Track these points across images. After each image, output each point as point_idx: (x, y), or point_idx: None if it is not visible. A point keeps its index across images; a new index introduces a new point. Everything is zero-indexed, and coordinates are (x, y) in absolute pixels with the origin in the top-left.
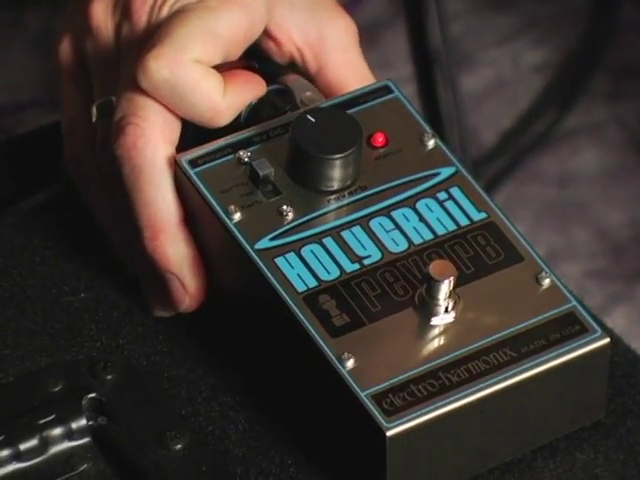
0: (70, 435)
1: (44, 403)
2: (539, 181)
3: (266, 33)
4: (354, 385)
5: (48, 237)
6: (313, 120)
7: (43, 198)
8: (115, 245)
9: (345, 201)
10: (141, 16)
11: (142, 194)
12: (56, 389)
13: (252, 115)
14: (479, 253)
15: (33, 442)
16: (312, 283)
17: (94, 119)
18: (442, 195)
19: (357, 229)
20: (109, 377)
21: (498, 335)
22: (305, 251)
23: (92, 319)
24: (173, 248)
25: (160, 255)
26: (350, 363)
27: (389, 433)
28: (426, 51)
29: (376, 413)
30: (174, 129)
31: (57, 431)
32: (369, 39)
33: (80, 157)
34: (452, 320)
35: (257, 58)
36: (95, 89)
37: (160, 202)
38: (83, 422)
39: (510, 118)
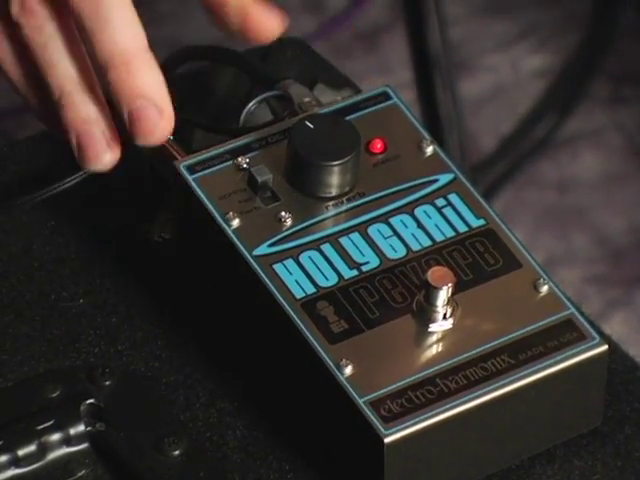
0: (68, 441)
1: (42, 409)
2: (538, 186)
3: None
4: (352, 392)
5: (46, 242)
6: (311, 126)
7: (40, 198)
8: (41, 113)
9: (343, 207)
10: None
11: (107, 24)
12: (54, 395)
13: (250, 121)
14: (477, 260)
15: (31, 448)
16: (310, 289)
17: None
18: (440, 202)
19: (355, 235)
20: (107, 383)
21: (496, 342)
22: (303, 257)
23: (90, 325)
24: (150, 71)
25: (134, 82)
26: (348, 370)
27: (387, 440)
28: (426, 56)
29: (374, 420)
30: None
31: (55, 437)
32: (369, 44)
33: None
34: (450, 327)
35: (255, 64)
36: None
37: (130, 27)
38: (81, 428)
39: (509, 123)
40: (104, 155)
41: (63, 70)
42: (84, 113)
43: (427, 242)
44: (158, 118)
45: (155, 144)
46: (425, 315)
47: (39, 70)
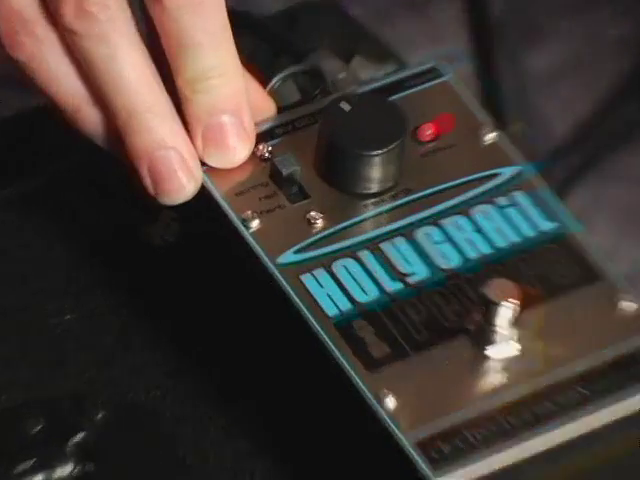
0: None
1: (22, 446)
2: (622, 182)
3: None
4: (395, 429)
5: (25, 245)
6: (348, 108)
7: (12, 194)
8: (108, 138)
9: (385, 207)
10: None
11: (213, 40)
12: (36, 429)
13: (274, 101)
14: (547, 271)
15: None
16: (345, 306)
17: None
18: (503, 201)
19: (400, 240)
20: (99, 415)
21: (569, 370)
22: (337, 267)
23: (79, 345)
24: (239, 83)
25: (222, 98)
26: (390, 402)
27: None
28: (486, 22)
29: (421, 462)
30: None
31: (37, 479)
32: (416, 8)
33: (34, 31)
34: (514, 352)
35: (279, 31)
36: None
37: (229, 42)
38: (68, 469)
39: (588, 105)
40: (188, 185)
41: (134, 87)
42: (159, 137)
43: (487, 249)
44: (243, 134)
45: (226, 167)
46: (483, 337)
47: (100, 88)
